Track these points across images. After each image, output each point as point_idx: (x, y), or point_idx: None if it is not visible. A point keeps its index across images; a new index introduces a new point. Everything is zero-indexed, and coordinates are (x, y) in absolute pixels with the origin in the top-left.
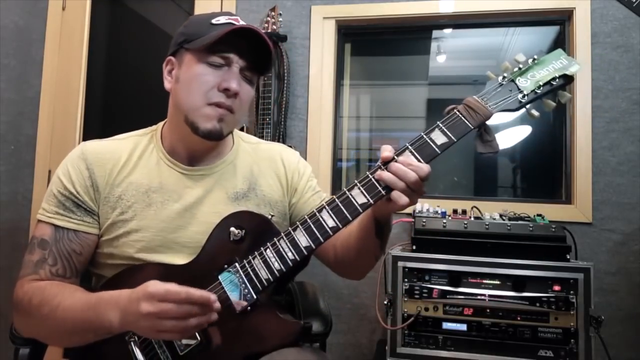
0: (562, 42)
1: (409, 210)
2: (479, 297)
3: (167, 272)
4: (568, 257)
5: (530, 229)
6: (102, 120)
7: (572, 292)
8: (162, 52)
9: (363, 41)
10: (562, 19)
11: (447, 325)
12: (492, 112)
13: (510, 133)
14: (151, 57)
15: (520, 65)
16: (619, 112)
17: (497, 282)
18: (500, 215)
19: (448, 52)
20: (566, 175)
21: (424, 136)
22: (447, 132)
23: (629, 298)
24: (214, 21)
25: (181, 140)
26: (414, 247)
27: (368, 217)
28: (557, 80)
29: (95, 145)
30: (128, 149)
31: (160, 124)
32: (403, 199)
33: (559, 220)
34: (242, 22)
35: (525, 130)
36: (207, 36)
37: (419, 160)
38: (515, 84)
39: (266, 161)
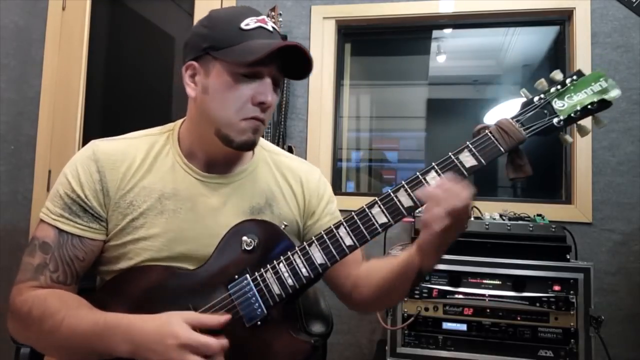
0: (562, 42)
1: None
2: (479, 297)
3: (174, 278)
4: (568, 257)
5: (530, 229)
6: (102, 120)
7: (572, 292)
8: (162, 52)
9: (363, 41)
10: (562, 19)
11: (447, 325)
12: (525, 137)
13: None
14: (151, 57)
15: (558, 87)
16: (619, 112)
17: (497, 282)
18: (500, 215)
19: (448, 52)
20: (566, 175)
21: (452, 157)
22: (477, 155)
23: (629, 298)
24: (243, 26)
25: (203, 146)
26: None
27: (411, 263)
28: (594, 105)
29: (108, 146)
30: (143, 149)
31: (178, 122)
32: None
33: (559, 220)
34: (270, 24)
35: None
36: (246, 49)
37: None
38: (552, 106)
39: (285, 177)
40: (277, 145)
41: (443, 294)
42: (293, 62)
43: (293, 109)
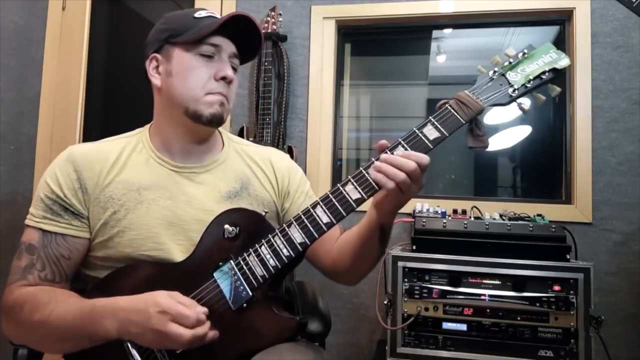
0: (562, 42)
1: (408, 210)
2: (479, 297)
3: (162, 271)
4: (568, 257)
5: (530, 229)
6: (102, 120)
7: (572, 292)
8: None
9: (363, 41)
10: (562, 19)
11: (447, 325)
12: (483, 106)
13: (510, 133)
14: None
15: (511, 60)
16: (619, 112)
17: (497, 282)
18: (500, 215)
19: (448, 52)
20: (566, 175)
21: (416, 131)
22: (440, 127)
23: (629, 298)
24: (196, 15)
25: (174, 136)
26: (414, 247)
27: (372, 222)
28: (546, 74)
29: (83, 148)
30: (117, 149)
31: (147, 126)
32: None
33: (559, 220)
34: (218, 15)
35: (525, 130)
36: (200, 27)
37: None
38: (506, 78)
39: (256, 163)
40: (277, 145)
41: (443, 294)
42: (246, 43)
43: (293, 109)
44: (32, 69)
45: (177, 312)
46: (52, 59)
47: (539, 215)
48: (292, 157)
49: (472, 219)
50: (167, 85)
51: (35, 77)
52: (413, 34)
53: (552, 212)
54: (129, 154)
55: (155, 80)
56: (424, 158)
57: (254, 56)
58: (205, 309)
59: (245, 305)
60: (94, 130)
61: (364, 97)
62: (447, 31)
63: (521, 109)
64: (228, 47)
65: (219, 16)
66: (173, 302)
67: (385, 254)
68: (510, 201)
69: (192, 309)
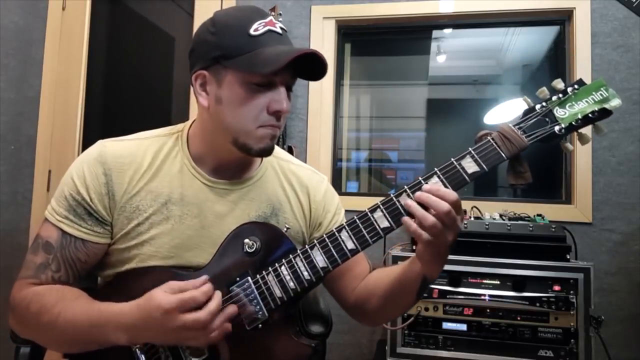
0: (562, 42)
1: None
2: (479, 297)
3: (176, 279)
4: (568, 257)
5: (530, 229)
6: (102, 120)
7: (572, 292)
8: (162, 52)
9: (363, 41)
10: (562, 19)
11: (447, 325)
12: (527, 144)
13: None
14: (151, 57)
15: (560, 95)
16: (619, 112)
17: (497, 282)
18: (500, 215)
19: (448, 52)
20: (566, 175)
21: (454, 162)
22: (479, 161)
23: (629, 298)
24: (253, 32)
25: (214, 153)
26: (414, 247)
27: (415, 272)
28: (595, 113)
29: (116, 147)
30: (151, 151)
31: (187, 124)
32: (425, 236)
33: (559, 220)
34: (279, 26)
35: None
36: (260, 58)
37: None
38: (553, 114)
39: (292, 186)
40: (277, 145)
41: (443, 294)
42: (307, 63)
43: (293, 109)
44: (32, 69)
45: (180, 302)
46: (52, 59)
47: (539, 215)
48: None
49: (472, 219)
50: (216, 111)
51: (35, 77)
52: (413, 34)
53: (552, 212)
54: (164, 158)
55: (202, 100)
56: (449, 194)
57: (316, 80)
58: (204, 278)
59: (260, 325)
60: (94, 130)
61: (364, 97)
62: (447, 31)
63: (564, 148)
64: (286, 75)
65: (277, 28)
66: (172, 297)
67: (386, 254)
68: (510, 201)
69: (190, 288)
